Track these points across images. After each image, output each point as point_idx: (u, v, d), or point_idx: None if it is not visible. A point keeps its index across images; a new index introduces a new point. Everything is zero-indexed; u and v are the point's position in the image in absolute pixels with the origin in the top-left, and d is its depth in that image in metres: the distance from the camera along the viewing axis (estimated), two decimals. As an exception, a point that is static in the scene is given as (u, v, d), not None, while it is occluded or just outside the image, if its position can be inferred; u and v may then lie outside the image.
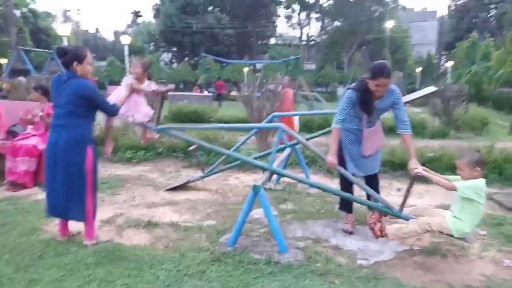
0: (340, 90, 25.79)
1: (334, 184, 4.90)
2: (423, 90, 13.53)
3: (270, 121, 4.52)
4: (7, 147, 4.76)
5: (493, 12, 43.28)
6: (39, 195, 4.43)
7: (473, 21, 43.56)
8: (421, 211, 3.07)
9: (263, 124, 4.21)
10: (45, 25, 40.01)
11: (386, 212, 3.09)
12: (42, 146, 4.76)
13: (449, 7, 48.15)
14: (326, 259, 2.84)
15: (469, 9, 43.46)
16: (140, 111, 3.35)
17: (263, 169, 3.38)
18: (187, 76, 34.64)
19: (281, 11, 45.44)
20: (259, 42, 44.38)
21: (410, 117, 3.49)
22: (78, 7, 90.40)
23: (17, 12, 34.33)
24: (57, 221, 3.23)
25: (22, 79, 12.36)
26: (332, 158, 3.13)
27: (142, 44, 43.79)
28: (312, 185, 3.36)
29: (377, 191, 3.47)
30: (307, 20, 45.44)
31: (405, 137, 3.16)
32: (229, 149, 4.42)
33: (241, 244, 3.05)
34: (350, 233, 3.36)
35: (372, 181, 3.44)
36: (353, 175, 3.36)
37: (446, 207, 3.86)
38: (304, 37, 46.74)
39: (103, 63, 37.45)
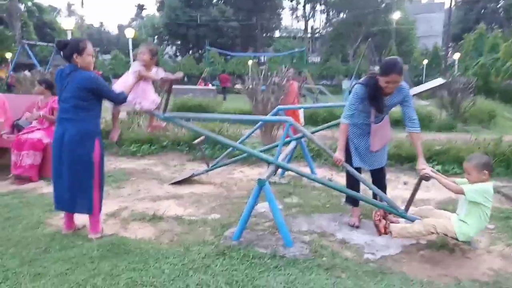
0: (345, 83, 25.59)
1: (340, 177, 4.87)
2: (431, 82, 13.38)
3: (276, 114, 4.48)
4: (12, 141, 4.77)
5: (501, 3, 42.55)
6: (44, 188, 4.45)
7: (481, 12, 42.89)
8: (426, 212, 3.04)
9: (270, 117, 4.16)
10: (49, 19, 40.07)
11: (391, 211, 3.05)
12: (47, 140, 4.77)
13: (457, -2, 47.53)
14: (332, 253, 2.81)
15: (478, 0, 42.76)
16: (147, 98, 3.28)
17: (268, 163, 3.34)
18: (192, 69, 34.54)
19: (286, 3, 45.13)
20: (264, 35, 44.11)
21: (417, 110, 3.43)
22: (83, 0, 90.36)
23: (22, 6, 34.35)
24: (62, 214, 3.23)
25: (27, 73, 12.40)
26: (339, 155, 3.08)
27: (146, 37, 43.69)
28: (318, 182, 3.31)
29: (383, 184, 3.44)
30: (312, 12, 45.05)
31: (413, 135, 3.11)
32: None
33: (246, 238, 3.03)
34: (357, 227, 3.33)
35: (379, 175, 3.41)
36: (359, 169, 3.32)
37: (452, 201, 3.83)
38: (309, 30, 46.37)
39: (108, 57, 37.46)
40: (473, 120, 10.15)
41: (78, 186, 2.93)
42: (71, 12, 53.31)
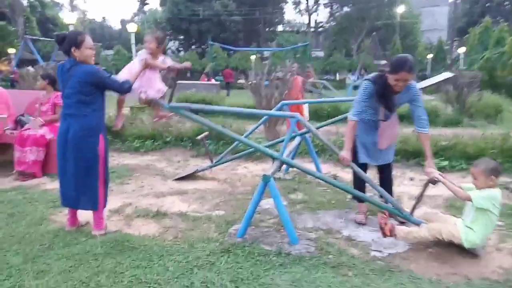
0: (349, 78, 25.42)
1: (345, 173, 4.82)
2: (439, 76, 13.25)
3: (280, 109, 4.42)
4: (15, 137, 4.75)
5: (507, -5, 42.02)
6: (48, 184, 4.43)
7: (486, 5, 42.36)
8: (431, 216, 2.99)
9: (277, 112, 4.09)
10: (52, 14, 40.02)
11: (396, 214, 3.00)
12: (50, 136, 4.74)
13: (462, -10, 46.93)
14: (338, 251, 2.77)
15: (483, -7, 42.23)
16: (153, 87, 3.22)
17: (273, 158, 3.29)
18: (194, 64, 34.41)
19: (289, -4, 44.72)
20: (267, 29, 43.86)
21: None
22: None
23: (25, 1, 34.32)
24: (65, 210, 3.21)
25: (30, 68, 12.38)
26: (346, 154, 3.02)
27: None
28: (323, 180, 3.25)
29: (390, 180, 3.40)
30: (315, 6, 44.68)
31: (422, 136, 3.04)
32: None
33: (251, 235, 2.99)
34: (363, 224, 3.28)
35: (385, 171, 3.36)
36: (366, 165, 3.27)
37: (459, 199, 3.76)
38: (312, 24, 46.03)
39: (110, 52, 37.42)
40: (479, 115, 10.03)
41: (82, 182, 2.90)
42: (73, 7, 53.16)
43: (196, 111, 3.27)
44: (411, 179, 4.74)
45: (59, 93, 4.61)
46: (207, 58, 33.46)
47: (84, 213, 3.15)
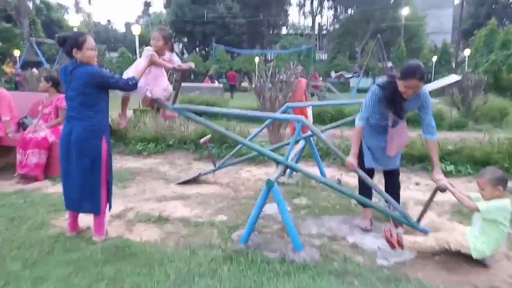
0: (353, 81, 25.33)
1: (349, 177, 4.75)
2: (446, 78, 13.12)
3: (284, 111, 4.36)
4: (17, 140, 4.73)
5: (513, -3, 41.77)
6: (50, 188, 4.40)
7: (492, 7, 42.11)
8: (438, 225, 2.93)
9: (282, 115, 4.03)
10: (57, 17, 40.25)
11: (402, 222, 2.93)
12: (52, 138, 4.72)
13: (467, -7, 46.68)
14: (343, 259, 2.71)
15: (488, -5, 41.98)
16: (159, 85, 3.17)
17: (277, 163, 3.23)
18: (198, 66, 34.45)
19: (293, -1, 44.76)
20: (271, 32, 43.82)
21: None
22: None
23: (30, 4, 34.55)
24: (66, 215, 3.17)
25: (35, 70, 12.44)
26: (352, 160, 2.96)
27: (153, 35, 43.68)
28: (328, 186, 3.18)
29: (397, 186, 3.33)
30: (319, 9, 44.63)
31: (430, 143, 2.98)
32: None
33: (254, 242, 2.93)
34: (368, 230, 3.21)
35: (392, 176, 3.29)
36: (372, 169, 3.20)
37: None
38: (316, 26, 45.97)
39: (115, 54, 37.54)
40: (485, 118, 9.91)
41: (85, 185, 2.86)
42: (78, 10, 53.50)
43: (199, 113, 3.22)
44: (417, 183, 4.66)
45: (62, 96, 4.60)
46: (211, 60, 33.50)
47: (85, 218, 3.11)
